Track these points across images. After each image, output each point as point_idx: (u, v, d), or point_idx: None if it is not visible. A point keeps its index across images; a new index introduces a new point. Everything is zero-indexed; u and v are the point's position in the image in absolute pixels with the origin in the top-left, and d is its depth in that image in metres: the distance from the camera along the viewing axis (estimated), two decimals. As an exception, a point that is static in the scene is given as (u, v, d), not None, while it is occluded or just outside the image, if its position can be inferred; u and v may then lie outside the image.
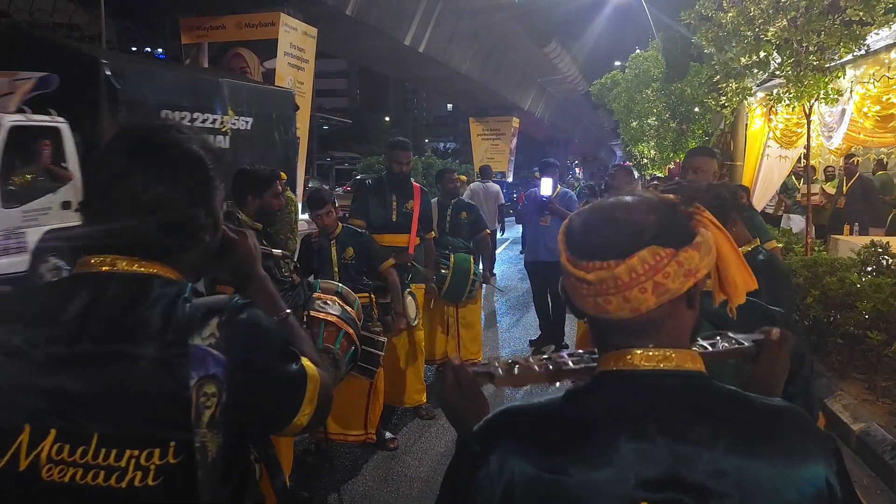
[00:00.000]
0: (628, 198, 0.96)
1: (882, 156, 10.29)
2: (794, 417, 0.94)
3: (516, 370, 1.14)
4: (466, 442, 0.96)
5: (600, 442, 0.88)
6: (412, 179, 4.97)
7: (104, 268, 1.10)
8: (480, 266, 6.17)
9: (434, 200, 5.59)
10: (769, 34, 6.81)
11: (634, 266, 0.88)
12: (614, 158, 57.33)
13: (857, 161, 9.16)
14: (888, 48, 6.54)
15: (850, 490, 0.92)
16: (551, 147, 49.67)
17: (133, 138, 1.16)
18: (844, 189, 9.31)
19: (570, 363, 1.15)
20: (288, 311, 1.32)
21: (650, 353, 0.92)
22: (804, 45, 6.55)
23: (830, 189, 9.96)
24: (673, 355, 0.92)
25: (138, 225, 1.09)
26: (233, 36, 15.19)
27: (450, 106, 65.93)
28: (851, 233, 8.57)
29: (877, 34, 6.60)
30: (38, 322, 1.07)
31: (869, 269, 5.89)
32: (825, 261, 6.09)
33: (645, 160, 17.95)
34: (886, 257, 5.88)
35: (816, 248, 6.98)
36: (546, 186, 6.33)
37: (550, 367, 1.14)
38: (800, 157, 9.31)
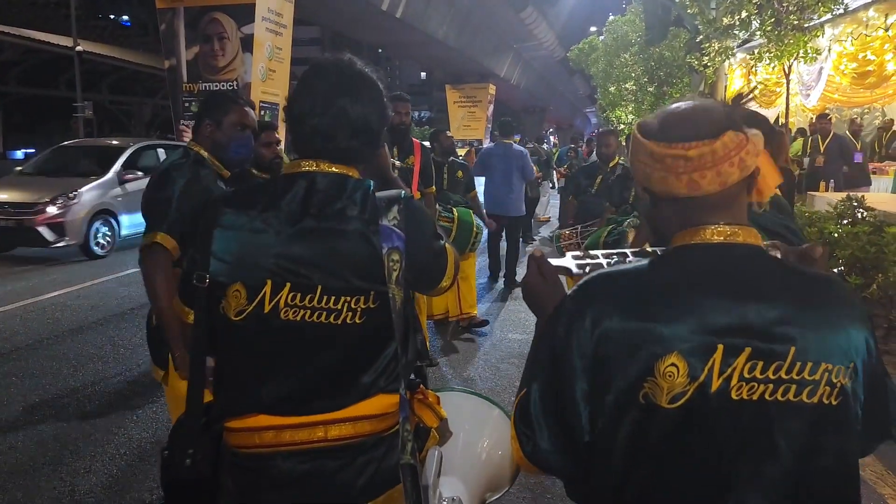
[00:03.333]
0: (698, 100, 1.15)
1: (855, 115, 10.60)
2: (841, 285, 1.14)
3: (588, 267, 1.30)
4: (562, 304, 1.14)
5: (682, 298, 1.04)
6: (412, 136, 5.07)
7: (313, 168, 1.46)
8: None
9: None
10: (751, -6, 6.98)
11: (726, 142, 1.05)
12: (589, 126, 57.54)
13: (832, 119, 9.41)
14: (866, 6, 6.75)
15: (878, 351, 1.11)
16: (527, 115, 49.62)
17: (334, 71, 1.48)
18: (821, 148, 9.59)
19: (632, 258, 1.30)
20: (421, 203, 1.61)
21: (720, 229, 1.08)
22: (784, 4, 6.73)
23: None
24: (739, 231, 1.09)
25: (351, 138, 1.45)
26: (209, 0, 14.92)
27: (423, 74, 65.43)
28: (827, 189, 8.86)
29: (855, -7, 6.81)
30: (270, 207, 1.43)
31: (845, 221, 6.17)
32: (804, 214, 6.35)
33: (622, 126, 18.13)
34: (861, 210, 6.16)
35: (795, 204, 7.25)
36: None
37: (618, 261, 1.30)
38: (777, 117, 9.55)
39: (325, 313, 1.39)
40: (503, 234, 7.89)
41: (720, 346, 1.01)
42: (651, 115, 1.18)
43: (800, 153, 9.94)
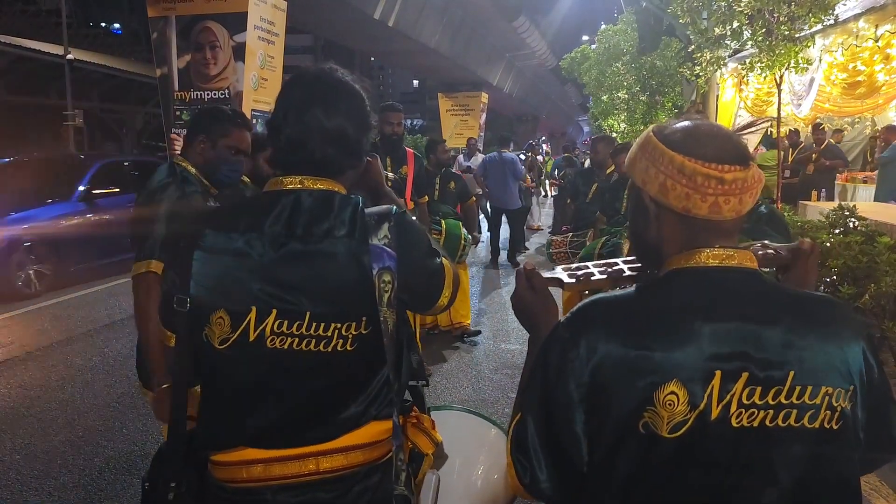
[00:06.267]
0: (705, 121, 1.12)
1: (846, 126, 10.67)
2: (836, 305, 1.10)
3: (582, 276, 1.28)
4: (555, 331, 1.10)
5: (678, 324, 1.01)
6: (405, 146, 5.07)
7: (297, 185, 1.37)
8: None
9: None
10: (742, 4, 7.02)
11: (754, 173, 1.05)
12: (582, 134, 57.72)
13: (825, 128, 9.46)
14: (856, 17, 6.78)
15: (880, 366, 1.09)
16: (520, 123, 49.72)
17: (311, 80, 1.41)
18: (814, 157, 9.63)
19: (627, 269, 1.29)
20: (413, 218, 1.52)
21: (716, 252, 1.06)
22: (775, 14, 6.75)
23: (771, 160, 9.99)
24: (735, 255, 1.06)
25: (325, 148, 1.36)
26: (201, 9, 14.84)
27: (416, 82, 65.56)
28: (819, 199, 8.90)
29: (844, 4, 6.85)
30: (253, 229, 1.34)
31: (837, 231, 6.19)
32: (796, 223, 6.36)
33: (615, 134, 18.16)
34: (853, 219, 6.17)
35: (787, 213, 7.27)
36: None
37: (611, 272, 1.28)
38: (769, 126, 9.57)
39: (314, 341, 1.31)
40: (502, 221, 10.11)
41: (718, 373, 0.99)
42: (668, 125, 1.12)
43: (773, 162, 9.86)
